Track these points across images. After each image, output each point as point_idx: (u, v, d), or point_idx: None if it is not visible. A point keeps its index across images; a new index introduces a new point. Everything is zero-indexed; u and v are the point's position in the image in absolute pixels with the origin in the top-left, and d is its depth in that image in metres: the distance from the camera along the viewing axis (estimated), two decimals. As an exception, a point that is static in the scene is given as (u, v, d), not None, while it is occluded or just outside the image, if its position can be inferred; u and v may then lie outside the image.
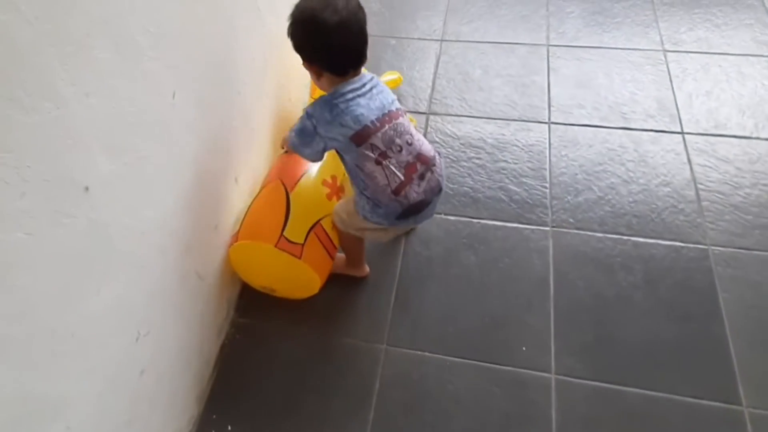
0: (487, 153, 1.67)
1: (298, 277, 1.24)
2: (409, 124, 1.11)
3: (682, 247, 1.42)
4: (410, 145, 1.08)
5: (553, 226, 1.48)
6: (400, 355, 1.28)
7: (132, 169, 0.87)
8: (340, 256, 1.37)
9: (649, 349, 1.25)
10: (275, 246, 1.16)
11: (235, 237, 1.21)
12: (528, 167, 1.63)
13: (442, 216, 1.51)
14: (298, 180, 1.29)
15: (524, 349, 1.27)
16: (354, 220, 1.19)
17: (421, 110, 1.81)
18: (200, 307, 1.19)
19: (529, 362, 1.24)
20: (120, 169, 0.84)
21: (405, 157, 1.07)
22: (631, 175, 1.58)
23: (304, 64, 1.07)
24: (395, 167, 1.06)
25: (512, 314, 1.33)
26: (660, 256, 1.40)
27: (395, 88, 1.83)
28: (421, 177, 1.09)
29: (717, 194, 1.52)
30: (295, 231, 1.19)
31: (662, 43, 1.95)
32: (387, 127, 1.05)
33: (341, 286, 1.37)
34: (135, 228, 0.90)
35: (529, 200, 1.55)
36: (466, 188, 1.57)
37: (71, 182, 0.75)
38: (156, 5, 0.89)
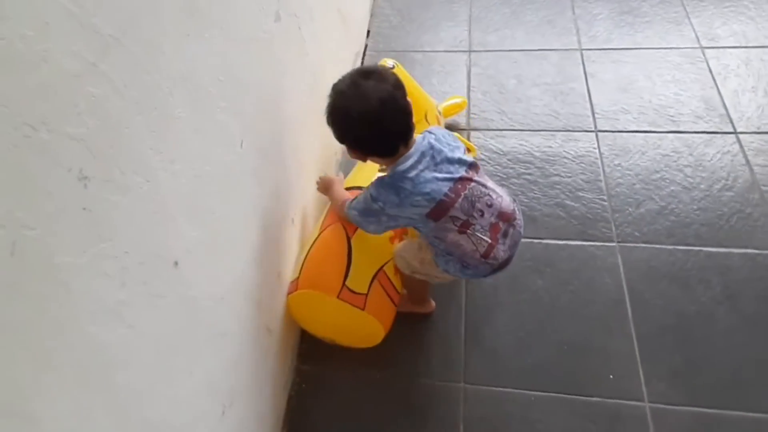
0: (536, 168, 1.61)
1: (362, 328, 1.17)
2: (485, 180, 1.04)
3: (758, 254, 1.36)
4: (491, 206, 1.02)
5: (619, 241, 1.42)
6: (480, 393, 1.21)
7: (211, 232, 0.80)
8: (404, 293, 1.29)
9: (741, 367, 1.19)
10: (337, 297, 1.08)
11: (295, 284, 1.13)
12: (582, 180, 1.56)
13: (501, 238, 1.44)
14: None
15: (611, 377, 1.20)
16: (430, 270, 1.12)
17: (461, 127, 1.74)
18: (270, 363, 1.11)
19: (619, 391, 1.18)
20: (202, 234, 0.77)
21: (488, 219, 1.01)
22: (691, 181, 1.52)
23: (348, 151, 1.01)
24: (480, 233, 1.00)
25: (592, 340, 1.26)
26: (736, 266, 1.34)
27: (461, 111, 1.74)
28: (505, 234, 1.04)
29: (783, 195, 1.46)
30: (358, 280, 1.11)
31: (698, 40, 1.90)
32: (463, 195, 0.99)
33: (407, 324, 1.30)
34: (216, 295, 0.83)
35: (589, 215, 1.48)
36: (522, 207, 1.50)
37: (162, 259, 0.67)
38: (223, 50, 0.82)
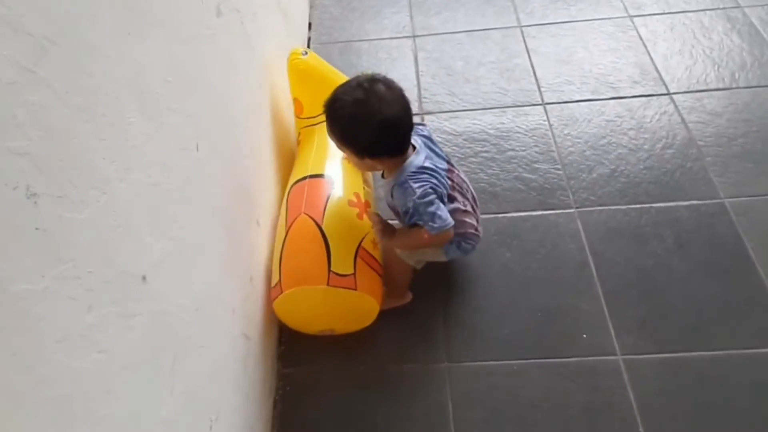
0: (492, 144, 1.64)
1: (357, 309, 1.16)
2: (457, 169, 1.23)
3: (701, 204, 1.46)
4: (464, 182, 1.19)
5: (578, 207, 1.48)
6: (464, 370, 1.23)
7: (177, 241, 0.76)
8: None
9: (699, 310, 1.27)
10: (327, 285, 1.07)
11: (278, 288, 1.10)
12: (536, 152, 1.61)
13: (466, 217, 1.47)
14: (324, 209, 1.19)
15: (585, 336, 1.25)
16: (431, 254, 1.21)
17: (414, 112, 1.75)
18: (251, 370, 1.08)
19: (594, 348, 1.23)
20: (167, 245, 0.73)
21: (470, 201, 1.18)
22: (635, 143, 1.61)
23: (360, 161, 1.05)
24: (470, 209, 1.16)
25: (563, 303, 1.31)
26: (684, 218, 1.43)
27: None
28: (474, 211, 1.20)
29: (716, 148, 1.57)
30: (342, 262, 1.10)
31: (626, 10, 1.99)
32: (454, 182, 1.15)
33: (385, 314, 1.28)
34: (189, 307, 0.79)
35: (546, 185, 1.53)
36: (482, 184, 1.54)
37: (130, 275, 0.63)
38: (167, 49, 0.77)
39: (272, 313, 1.18)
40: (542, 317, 1.29)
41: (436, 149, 1.16)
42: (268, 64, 1.37)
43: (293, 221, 1.17)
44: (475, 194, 1.24)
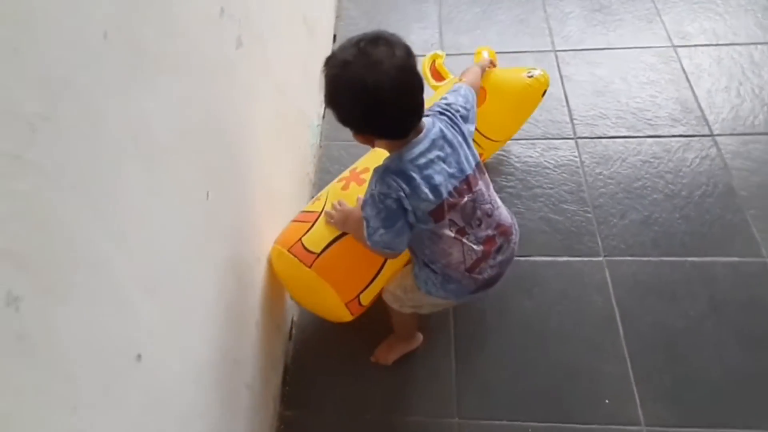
0: (518, 180, 1.56)
1: (312, 289, 1.07)
2: (488, 184, 0.96)
3: (740, 262, 1.35)
4: (490, 216, 0.94)
5: (606, 255, 1.39)
6: (475, 429, 1.16)
7: (176, 303, 0.70)
8: (389, 342, 1.23)
9: (730, 382, 1.18)
10: (288, 251, 1.05)
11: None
12: (565, 191, 1.52)
13: (487, 258, 1.39)
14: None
15: (607, 402, 1.17)
16: (414, 296, 1.05)
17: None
18: (250, 416, 1.03)
19: (616, 417, 1.15)
20: (165, 310, 0.67)
21: (484, 231, 0.94)
22: (672, 188, 1.51)
23: (354, 135, 0.90)
24: (473, 243, 0.92)
25: (584, 363, 1.23)
26: (720, 276, 1.34)
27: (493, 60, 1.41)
28: (499, 250, 0.96)
29: (762, 200, 1.46)
30: (316, 240, 1.06)
31: (670, 39, 1.88)
32: (467, 198, 0.90)
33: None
34: (188, 375, 0.73)
35: (573, 228, 1.45)
36: (506, 224, 1.45)
37: (122, 355, 0.58)
38: (178, 93, 0.71)
39: (277, 352, 1.13)
40: (562, 377, 1.21)
41: (458, 139, 0.90)
42: (287, 82, 1.30)
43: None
44: (511, 230, 0.99)
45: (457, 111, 0.96)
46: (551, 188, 1.53)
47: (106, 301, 0.55)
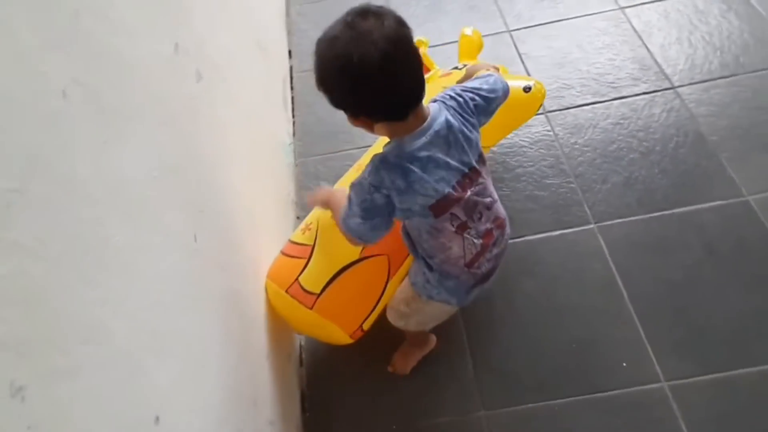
0: (498, 163, 1.56)
1: (313, 325, 1.06)
2: (488, 177, 0.92)
3: (724, 205, 1.39)
4: (489, 209, 0.92)
5: (596, 222, 1.41)
6: (502, 418, 1.16)
7: (187, 356, 0.68)
8: (403, 350, 1.22)
9: (738, 323, 1.21)
10: (285, 291, 1.02)
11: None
12: (545, 166, 1.54)
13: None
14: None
15: (624, 365, 1.18)
16: (416, 306, 1.03)
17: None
18: (279, 453, 1.00)
19: (636, 377, 1.16)
20: (178, 365, 0.64)
21: (484, 225, 0.92)
22: (646, 145, 1.54)
23: (351, 120, 0.84)
24: (474, 237, 0.90)
25: (596, 331, 1.24)
26: (708, 222, 1.37)
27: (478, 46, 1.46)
28: (495, 243, 0.95)
29: (732, 141, 1.50)
30: (313, 279, 1.02)
31: (615, 1, 1.91)
32: (469, 192, 0.86)
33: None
34: (209, 428, 0.71)
35: (560, 201, 1.46)
36: (494, 209, 1.46)
37: (140, 421, 0.55)
38: (149, 140, 0.68)
39: (292, 381, 1.10)
40: (577, 349, 1.22)
41: (464, 131, 0.85)
42: (254, 109, 1.28)
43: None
44: (505, 222, 0.98)
45: (472, 99, 0.89)
46: (531, 166, 1.55)
47: (113, 369, 0.52)
